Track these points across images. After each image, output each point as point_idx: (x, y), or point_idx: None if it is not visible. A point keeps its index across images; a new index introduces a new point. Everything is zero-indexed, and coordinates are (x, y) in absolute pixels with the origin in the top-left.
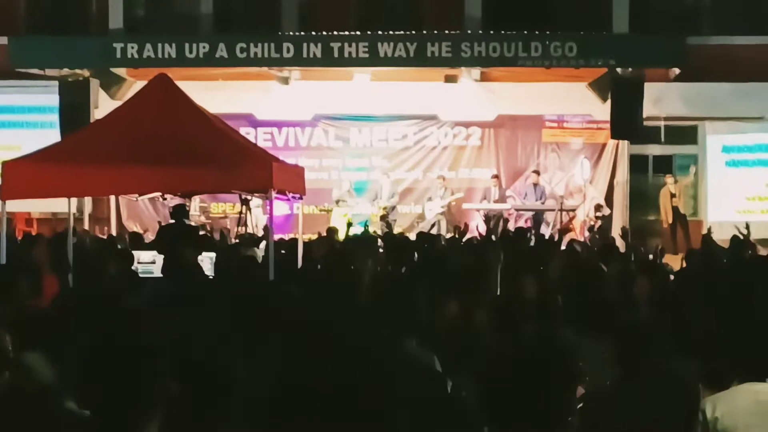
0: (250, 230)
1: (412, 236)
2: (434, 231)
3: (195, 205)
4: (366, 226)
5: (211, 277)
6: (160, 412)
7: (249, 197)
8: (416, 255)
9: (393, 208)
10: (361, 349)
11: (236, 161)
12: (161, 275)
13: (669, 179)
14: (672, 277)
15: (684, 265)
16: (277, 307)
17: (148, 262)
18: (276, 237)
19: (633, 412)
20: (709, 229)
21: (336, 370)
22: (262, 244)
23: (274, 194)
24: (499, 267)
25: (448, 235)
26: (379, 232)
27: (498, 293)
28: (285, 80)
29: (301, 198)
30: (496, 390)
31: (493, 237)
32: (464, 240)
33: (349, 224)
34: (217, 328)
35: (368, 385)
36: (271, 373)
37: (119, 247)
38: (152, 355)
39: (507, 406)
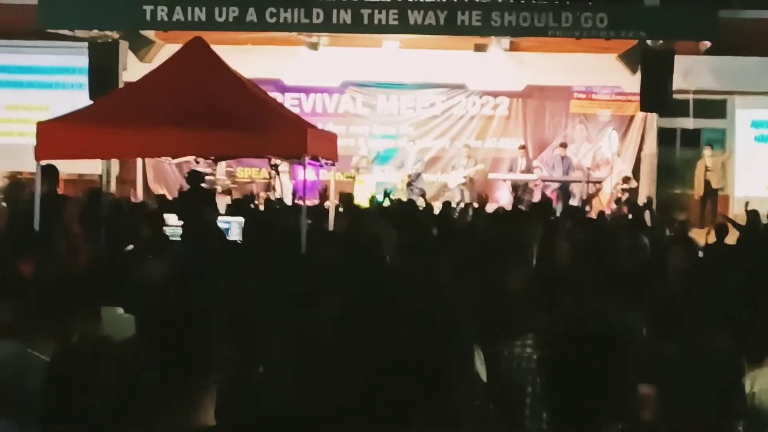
0: (278, 195)
1: (438, 205)
2: (457, 201)
3: (221, 169)
4: (390, 193)
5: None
6: (215, 376)
7: (278, 162)
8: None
9: (418, 175)
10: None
11: (271, 126)
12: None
13: (707, 152)
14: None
15: (714, 239)
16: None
17: (177, 225)
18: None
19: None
20: (746, 204)
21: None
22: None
23: (307, 160)
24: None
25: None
26: (404, 199)
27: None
28: (314, 46)
29: (333, 164)
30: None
31: (522, 207)
32: (494, 211)
33: (387, 194)
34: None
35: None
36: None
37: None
38: (206, 319)
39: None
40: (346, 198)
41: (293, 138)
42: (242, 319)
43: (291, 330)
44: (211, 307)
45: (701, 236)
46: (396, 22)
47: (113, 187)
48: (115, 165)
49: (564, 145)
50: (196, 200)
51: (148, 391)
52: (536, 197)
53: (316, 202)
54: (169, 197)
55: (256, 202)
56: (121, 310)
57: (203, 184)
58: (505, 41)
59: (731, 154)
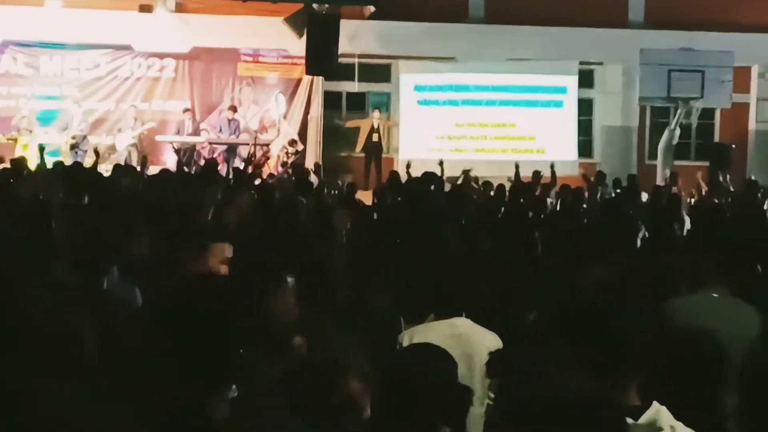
0: None
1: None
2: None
3: None
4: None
5: None
6: None
7: None
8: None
9: (83, 138)
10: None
11: None
12: None
13: (376, 114)
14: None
15: (375, 200)
16: None
17: None
18: None
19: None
20: (408, 164)
21: None
22: None
23: None
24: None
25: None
26: (69, 162)
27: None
28: None
29: None
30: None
31: (186, 169)
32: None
33: (42, 148)
34: None
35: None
36: None
37: None
38: None
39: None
40: (18, 162)
41: None
42: None
43: None
44: None
45: (367, 198)
46: None
47: None
48: None
49: (233, 108)
50: None
51: None
52: (203, 160)
53: None
54: None
55: None
56: None
57: None
58: (171, 2)
59: (396, 119)
